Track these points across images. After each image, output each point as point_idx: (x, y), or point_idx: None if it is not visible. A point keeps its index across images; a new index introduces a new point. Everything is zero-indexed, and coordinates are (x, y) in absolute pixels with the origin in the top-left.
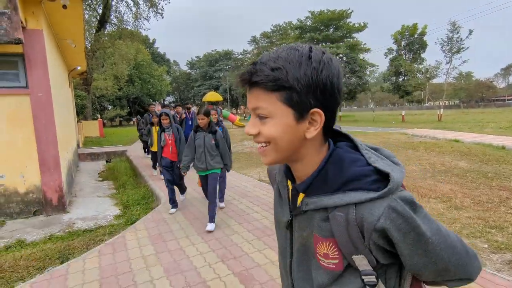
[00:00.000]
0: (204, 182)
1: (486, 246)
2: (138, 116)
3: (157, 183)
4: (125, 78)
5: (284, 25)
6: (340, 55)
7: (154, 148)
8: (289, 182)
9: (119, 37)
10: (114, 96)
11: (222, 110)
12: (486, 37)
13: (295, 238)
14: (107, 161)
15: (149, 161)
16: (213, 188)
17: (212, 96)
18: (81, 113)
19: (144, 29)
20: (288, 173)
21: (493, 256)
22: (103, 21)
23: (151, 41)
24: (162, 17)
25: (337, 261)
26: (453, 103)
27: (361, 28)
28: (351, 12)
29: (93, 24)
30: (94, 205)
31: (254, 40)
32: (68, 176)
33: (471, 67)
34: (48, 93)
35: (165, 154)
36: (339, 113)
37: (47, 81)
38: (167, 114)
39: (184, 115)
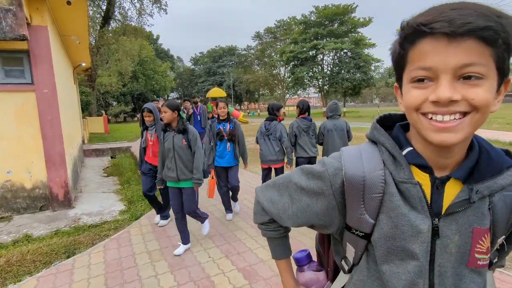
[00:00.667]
0: (175, 197)
1: None
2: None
3: None
4: (129, 75)
5: (288, 20)
6: (345, 50)
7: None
8: (421, 177)
9: (123, 33)
10: (119, 92)
11: None
12: None
13: (439, 248)
14: (112, 157)
15: None
16: (191, 210)
17: (216, 92)
18: (86, 109)
19: (148, 25)
20: (421, 162)
21: None
22: (107, 17)
23: (155, 37)
24: (166, 13)
25: (489, 254)
26: None
27: (366, 23)
28: (356, 7)
29: (97, 21)
30: (99, 201)
31: (258, 35)
32: (73, 172)
33: None
34: (54, 90)
35: (146, 157)
36: (343, 109)
37: (52, 77)
38: (150, 111)
39: (191, 110)
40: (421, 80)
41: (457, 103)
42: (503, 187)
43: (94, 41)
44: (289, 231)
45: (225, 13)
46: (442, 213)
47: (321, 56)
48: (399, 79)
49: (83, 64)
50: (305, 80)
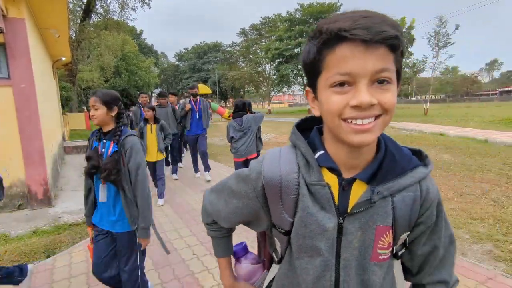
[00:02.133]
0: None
1: (467, 236)
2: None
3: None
4: (112, 70)
5: (274, 17)
6: None
7: (150, 157)
8: (330, 178)
9: (105, 27)
10: (101, 88)
11: (211, 103)
12: (471, 32)
13: (344, 244)
14: None
15: None
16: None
17: (201, 88)
18: (66, 105)
19: (131, 20)
20: (331, 165)
21: (474, 246)
22: (88, 11)
23: (138, 32)
24: (149, 8)
25: (391, 248)
26: (439, 97)
27: None
28: (340, 5)
29: (77, 14)
30: (80, 199)
31: (243, 32)
32: (53, 170)
33: (457, 61)
34: (32, 84)
35: None
36: None
37: (30, 71)
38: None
39: (189, 106)
40: (341, 84)
41: (373, 107)
42: (404, 188)
43: (74, 35)
44: (232, 231)
45: (210, 9)
46: (348, 212)
47: None
48: (312, 84)
49: (63, 59)
50: (290, 78)
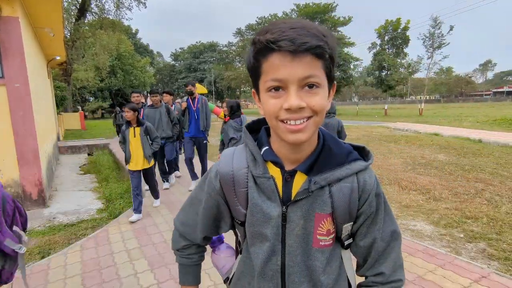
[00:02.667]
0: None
1: (462, 235)
2: (117, 108)
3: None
4: (107, 69)
5: (270, 18)
6: None
7: (135, 165)
8: (275, 171)
9: (100, 26)
10: (96, 87)
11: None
12: (466, 33)
13: (288, 231)
14: (89, 154)
15: None
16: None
17: (197, 88)
18: (61, 105)
19: (126, 19)
20: (274, 159)
21: (468, 245)
22: (83, 10)
23: (133, 31)
24: (145, 7)
25: (333, 235)
26: (433, 98)
27: (346, 22)
28: (336, 6)
29: (72, 13)
30: (75, 199)
31: (239, 32)
32: (48, 170)
33: (451, 62)
34: (26, 84)
35: None
36: None
37: (24, 71)
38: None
39: (185, 104)
40: (276, 89)
41: (303, 110)
42: (340, 179)
43: (69, 34)
44: (202, 260)
45: (206, 8)
46: (290, 201)
47: None
48: (256, 86)
49: (58, 58)
50: None
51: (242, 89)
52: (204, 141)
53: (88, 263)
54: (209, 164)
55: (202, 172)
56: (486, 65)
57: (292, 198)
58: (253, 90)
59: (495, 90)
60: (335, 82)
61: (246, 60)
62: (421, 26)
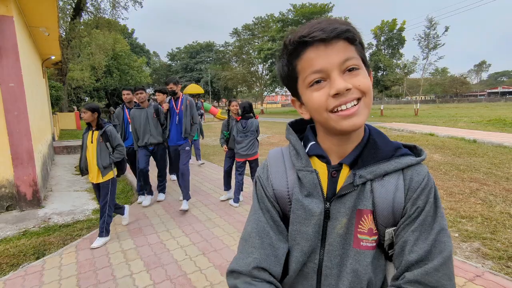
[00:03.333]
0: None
1: (457, 235)
2: (111, 108)
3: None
4: (103, 69)
5: (266, 18)
6: None
7: (91, 177)
8: (320, 166)
9: (96, 26)
10: (91, 87)
11: (204, 103)
12: (461, 34)
13: (330, 229)
14: None
15: None
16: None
17: (193, 88)
18: (56, 104)
19: (122, 19)
20: (320, 153)
21: (462, 245)
22: (78, 9)
23: (129, 31)
24: (141, 7)
25: (375, 237)
26: (429, 98)
27: None
28: (332, 6)
29: (68, 12)
30: (71, 200)
31: (236, 32)
32: (43, 170)
33: (447, 63)
34: (20, 83)
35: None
36: None
37: (19, 70)
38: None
39: (166, 105)
40: (318, 82)
41: (351, 91)
42: (386, 173)
43: (64, 34)
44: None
45: (202, 8)
46: (334, 196)
47: None
48: (295, 93)
49: (53, 57)
50: None
51: (238, 89)
52: (187, 147)
53: (83, 264)
54: (199, 171)
55: (183, 191)
56: (480, 66)
57: (337, 193)
58: (292, 98)
59: (489, 90)
60: (370, 69)
61: (278, 73)
62: (416, 27)
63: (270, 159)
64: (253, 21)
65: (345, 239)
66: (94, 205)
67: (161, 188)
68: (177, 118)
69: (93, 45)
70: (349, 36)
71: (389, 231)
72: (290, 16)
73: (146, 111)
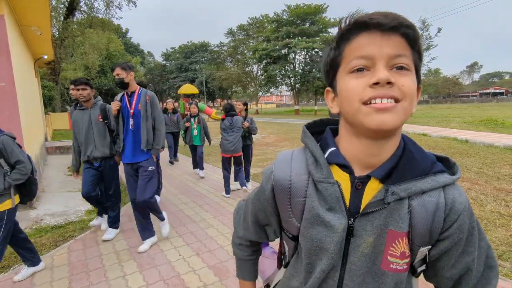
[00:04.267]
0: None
1: None
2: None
3: None
4: (97, 69)
5: (261, 18)
6: (316, 50)
7: None
8: (341, 177)
9: (89, 25)
10: None
11: (198, 103)
12: (453, 35)
13: (352, 246)
14: None
15: None
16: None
17: (188, 88)
18: (49, 104)
19: (116, 18)
20: (341, 161)
21: None
22: (71, 8)
23: (124, 30)
24: (136, 6)
25: (408, 259)
26: (422, 99)
27: (336, 23)
28: (326, 7)
29: (61, 11)
30: (63, 201)
31: (230, 32)
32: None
33: (439, 64)
34: (12, 83)
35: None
36: (315, 107)
37: (10, 70)
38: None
39: (116, 105)
40: (360, 69)
41: (392, 87)
42: (423, 191)
43: (57, 33)
44: (256, 257)
45: (197, 8)
46: (359, 213)
47: (293, 55)
48: (332, 82)
49: (45, 57)
50: (278, 78)
51: (233, 89)
52: (150, 167)
53: (75, 265)
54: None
55: (140, 229)
56: (472, 67)
57: (362, 209)
58: (327, 88)
59: (481, 91)
60: (420, 85)
61: (323, 60)
62: None
63: (277, 161)
64: (247, 21)
65: (371, 259)
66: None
67: (112, 221)
68: (131, 122)
69: (87, 44)
70: (409, 33)
71: (423, 250)
72: (284, 17)
73: (88, 113)
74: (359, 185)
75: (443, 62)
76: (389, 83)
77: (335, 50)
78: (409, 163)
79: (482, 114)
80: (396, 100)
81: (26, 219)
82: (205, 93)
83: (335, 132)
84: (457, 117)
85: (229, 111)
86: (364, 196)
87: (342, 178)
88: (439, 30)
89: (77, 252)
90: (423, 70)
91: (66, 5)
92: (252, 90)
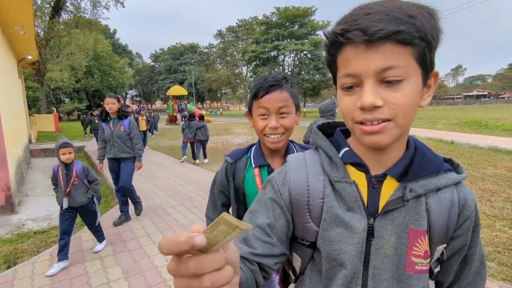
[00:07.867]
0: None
1: None
2: (89, 112)
3: None
4: (83, 70)
5: (250, 20)
6: (305, 52)
7: None
8: (357, 176)
9: (75, 25)
10: (71, 88)
11: (187, 105)
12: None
13: (374, 249)
14: None
15: None
16: None
17: (177, 90)
18: (33, 106)
19: (104, 18)
20: (357, 161)
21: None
22: (57, 8)
23: (111, 31)
24: (123, 7)
25: (429, 259)
26: None
27: (325, 26)
28: (315, 10)
29: (46, 11)
30: (47, 205)
31: (219, 34)
32: (17, 174)
33: None
34: None
35: None
36: (304, 109)
37: None
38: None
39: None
40: (349, 87)
41: (379, 110)
42: (439, 188)
43: (42, 33)
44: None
45: (186, 9)
46: (378, 212)
47: (282, 57)
48: (336, 82)
49: (30, 57)
50: None
51: (223, 90)
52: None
53: (58, 273)
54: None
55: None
56: (457, 70)
57: (381, 208)
58: (334, 86)
59: (465, 93)
60: (435, 70)
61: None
62: None
63: (291, 165)
64: (237, 23)
65: (394, 261)
66: None
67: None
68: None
69: (73, 45)
70: (400, 38)
71: (440, 248)
72: (273, 19)
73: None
74: (375, 183)
75: None
76: (376, 106)
77: (329, 57)
78: (423, 161)
79: (466, 116)
80: (384, 121)
81: (7, 224)
82: (194, 94)
83: (344, 134)
84: (443, 119)
85: (191, 116)
86: (381, 195)
87: (358, 177)
88: None
89: None
90: None
91: (52, 4)
92: (241, 91)
